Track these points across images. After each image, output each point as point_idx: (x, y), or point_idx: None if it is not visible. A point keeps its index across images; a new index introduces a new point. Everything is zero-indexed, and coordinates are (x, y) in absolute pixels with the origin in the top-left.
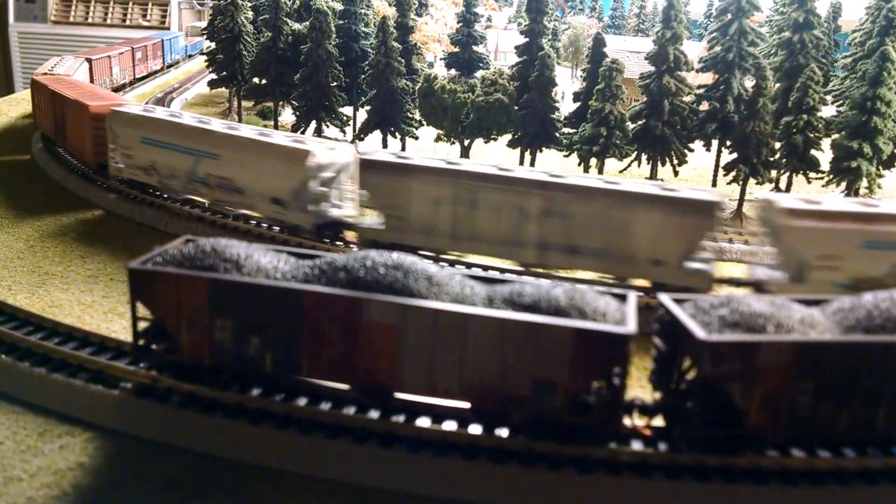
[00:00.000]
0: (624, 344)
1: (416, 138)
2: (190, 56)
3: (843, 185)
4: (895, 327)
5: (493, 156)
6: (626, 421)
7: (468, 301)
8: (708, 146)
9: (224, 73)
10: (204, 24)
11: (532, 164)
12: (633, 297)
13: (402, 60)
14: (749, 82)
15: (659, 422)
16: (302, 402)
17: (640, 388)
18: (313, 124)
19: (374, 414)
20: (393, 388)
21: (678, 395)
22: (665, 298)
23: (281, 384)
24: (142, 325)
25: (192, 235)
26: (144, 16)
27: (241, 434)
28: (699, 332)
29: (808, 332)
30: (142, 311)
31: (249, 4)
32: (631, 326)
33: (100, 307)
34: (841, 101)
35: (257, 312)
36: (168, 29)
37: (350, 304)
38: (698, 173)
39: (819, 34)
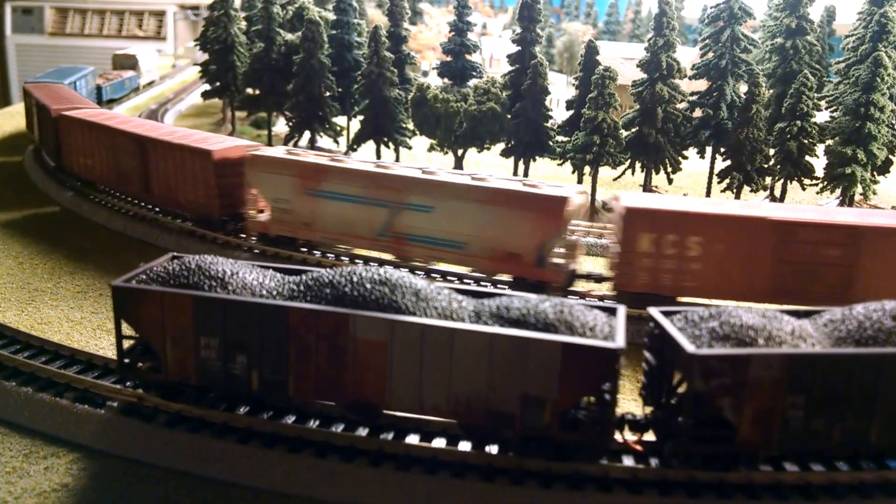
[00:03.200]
0: (613, 359)
1: (410, 148)
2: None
3: (839, 190)
4: (887, 338)
5: (487, 165)
6: (617, 436)
7: (456, 316)
8: (702, 153)
9: (217, 83)
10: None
11: (526, 173)
12: (622, 310)
13: (395, 70)
14: (743, 89)
15: (650, 437)
16: (290, 420)
17: (633, 401)
18: (307, 134)
19: (362, 431)
20: (381, 406)
21: (669, 409)
22: (655, 312)
23: (269, 402)
24: (128, 343)
25: (178, 252)
26: (140, 26)
27: (229, 453)
28: (688, 346)
29: (798, 344)
30: (128, 329)
31: (242, 15)
32: (620, 341)
33: (88, 324)
34: (835, 107)
35: (243, 330)
36: (164, 40)
37: (336, 320)
38: (693, 180)
39: (812, 40)
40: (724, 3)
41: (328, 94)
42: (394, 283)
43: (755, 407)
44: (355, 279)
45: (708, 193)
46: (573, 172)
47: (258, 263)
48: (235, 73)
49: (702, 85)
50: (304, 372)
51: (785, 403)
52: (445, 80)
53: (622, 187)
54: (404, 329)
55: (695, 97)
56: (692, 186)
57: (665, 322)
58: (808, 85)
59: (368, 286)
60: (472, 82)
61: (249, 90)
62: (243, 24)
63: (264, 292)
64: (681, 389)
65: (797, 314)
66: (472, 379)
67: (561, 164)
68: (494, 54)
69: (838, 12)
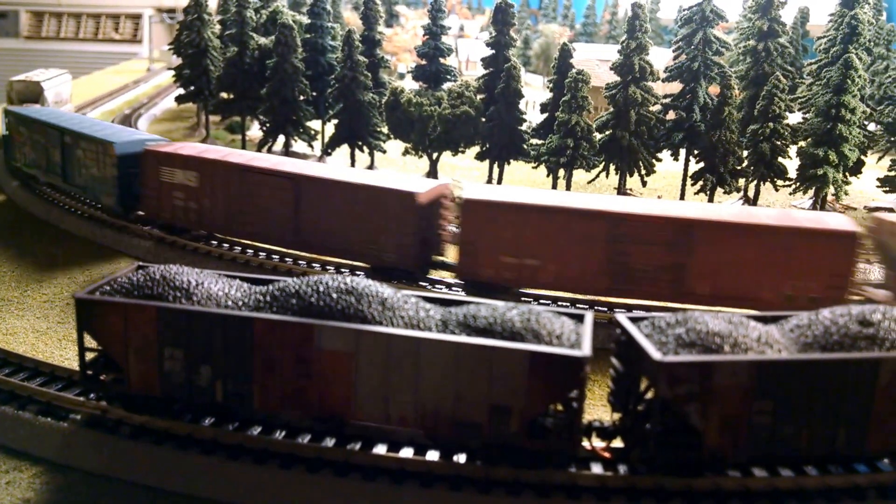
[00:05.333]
0: (579, 367)
1: (384, 152)
2: None
3: (811, 192)
4: (853, 343)
5: (462, 169)
6: (585, 444)
7: (422, 325)
8: (675, 156)
9: (191, 87)
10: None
11: (500, 176)
12: (589, 317)
13: (369, 74)
14: (717, 91)
15: (618, 444)
16: (255, 431)
17: (602, 407)
18: (281, 139)
19: (329, 442)
20: (347, 417)
21: (636, 416)
22: (622, 318)
23: (235, 413)
24: (92, 354)
25: (148, 262)
26: (117, 29)
27: (194, 466)
28: (655, 353)
29: (765, 350)
30: (91, 340)
31: (217, 19)
32: (586, 349)
33: (54, 334)
34: (807, 109)
35: (207, 341)
36: (140, 43)
37: (302, 331)
38: (668, 182)
39: (784, 42)
40: (697, 6)
41: (302, 98)
42: (360, 293)
43: (722, 413)
44: (322, 289)
45: (682, 195)
46: (548, 175)
47: (225, 273)
48: (209, 78)
49: (676, 87)
50: (270, 383)
51: (751, 409)
52: (420, 83)
53: (597, 190)
54: (370, 339)
55: (668, 99)
56: (667, 188)
57: (632, 328)
58: (780, 87)
59: (335, 296)
60: (447, 85)
61: (224, 94)
62: (217, 28)
63: (230, 303)
64: (648, 396)
65: (764, 319)
66: (439, 388)
67: (536, 168)
68: (471, 57)
69: (812, 14)
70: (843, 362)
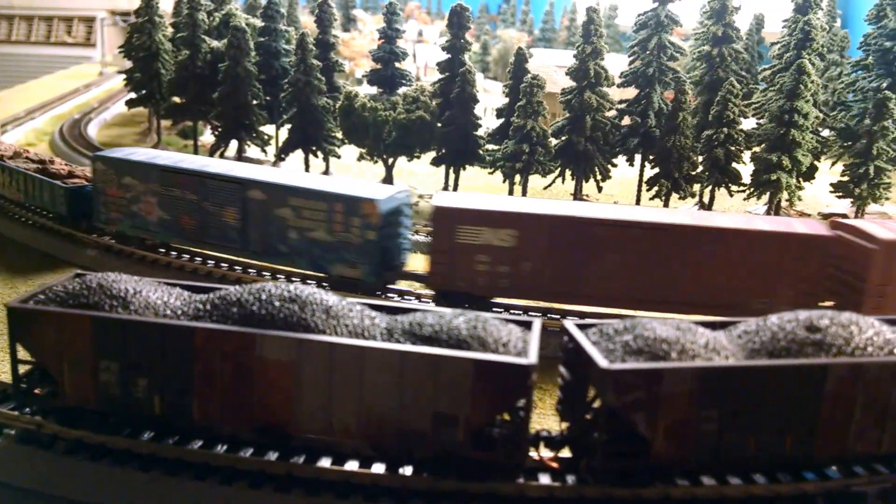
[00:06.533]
0: (525, 375)
1: (339, 157)
2: None
3: (765, 197)
4: (800, 349)
5: (419, 174)
6: (534, 454)
7: (367, 333)
8: (631, 161)
9: (142, 91)
10: None
11: (456, 182)
12: (537, 325)
13: (323, 78)
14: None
15: (567, 453)
16: (196, 445)
17: (553, 416)
18: (234, 144)
19: (272, 455)
20: (288, 429)
21: (584, 425)
22: (570, 325)
23: (174, 427)
24: (26, 367)
25: (82, 270)
26: (70, 32)
27: (132, 482)
28: (601, 361)
29: (712, 357)
30: (25, 352)
31: (169, 21)
32: (532, 357)
33: None
34: (761, 114)
35: (144, 352)
36: (94, 46)
37: (242, 340)
38: (624, 188)
39: (738, 48)
40: (652, 11)
41: (255, 102)
42: (304, 300)
43: (669, 421)
44: (264, 297)
45: (637, 201)
46: (504, 181)
47: (165, 281)
48: (160, 81)
49: (632, 93)
50: (210, 395)
51: (699, 417)
52: (377, 87)
53: (553, 195)
54: (312, 348)
55: (624, 105)
56: (624, 194)
57: (579, 336)
58: (733, 92)
59: (277, 304)
60: (402, 90)
61: (175, 98)
62: (170, 31)
63: (168, 312)
64: (595, 404)
65: (713, 325)
66: (384, 398)
67: (492, 173)
68: (430, 62)
69: (767, 20)
70: (789, 368)
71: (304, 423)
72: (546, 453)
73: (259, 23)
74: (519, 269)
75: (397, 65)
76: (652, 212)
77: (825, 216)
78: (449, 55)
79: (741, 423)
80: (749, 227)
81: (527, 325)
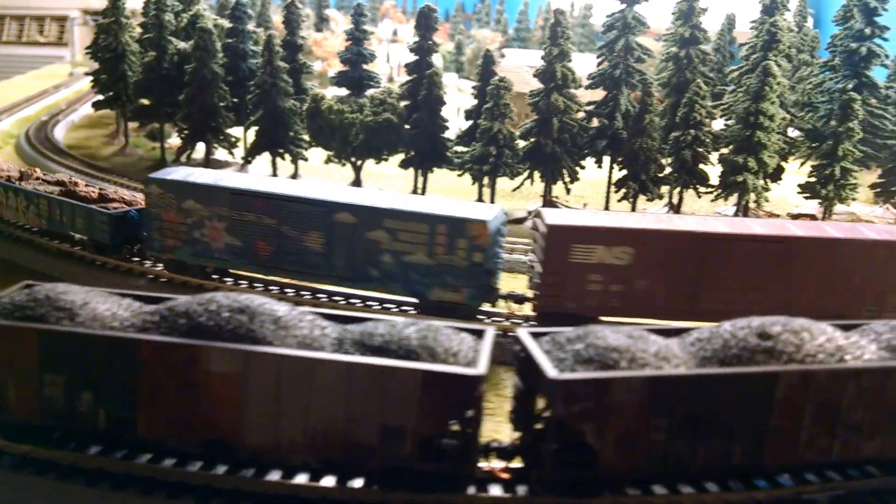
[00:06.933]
0: (473, 386)
1: (306, 160)
2: None
3: (733, 198)
4: (751, 357)
5: (388, 177)
6: (485, 464)
7: (316, 344)
8: (599, 163)
9: (109, 93)
10: None
11: (424, 184)
12: (490, 333)
13: (290, 80)
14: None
15: (519, 463)
16: (143, 459)
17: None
18: (201, 146)
19: (220, 469)
20: (235, 443)
21: (535, 435)
22: (522, 333)
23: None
24: None
25: (32, 281)
26: (42, 32)
27: (77, 497)
28: (550, 370)
29: (662, 365)
30: None
31: (137, 22)
32: (481, 367)
33: None
34: (729, 115)
35: (89, 365)
36: (66, 46)
37: (188, 353)
38: (595, 189)
39: (706, 49)
40: (619, 13)
41: (222, 104)
42: (253, 311)
43: (618, 431)
44: (212, 308)
45: (607, 204)
46: (473, 183)
47: (117, 291)
48: (127, 83)
49: (601, 94)
50: (155, 408)
51: (649, 426)
52: (345, 89)
53: (523, 197)
54: (259, 360)
55: (592, 107)
56: (594, 196)
57: (531, 344)
58: (700, 94)
59: (226, 315)
60: (369, 92)
61: (142, 100)
62: (137, 32)
63: (116, 323)
64: (546, 414)
65: (667, 333)
66: (331, 410)
67: (461, 175)
68: (403, 62)
69: (739, 20)
70: (738, 376)
71: (251, 437)
72: (499, 463)
73: (228, 23)
74: (632, 288)
75: (365, 66)
76: (763, 224)
77: (794, 216)
78: (417, 57)
79: (691, 432)
80: (863, 237)
81: (481, 335)
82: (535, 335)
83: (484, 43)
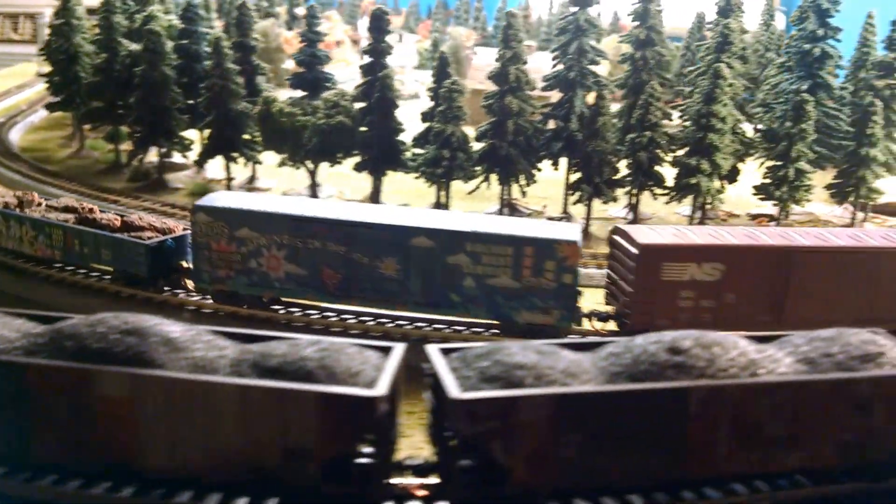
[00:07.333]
0: (372, 407)
1: (259, 163)
2: None
3: (688, 200)
4: (661, 372)
5: (347, 177)
6: (400, 481)
7: (211, 366)
8: (556, 165)
9: (62, 95)
10: None
11: (379, 187)
12: (397, 351)
13: (241, 82)
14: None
15: (436, 479)
16: (45, 482)
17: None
18: (153, 150)
19: (126, 491)
20: (134, 466)
21: (447, 452)
22: (431, 349)
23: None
24: None
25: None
26: (16, 29)
27: None
28: (452, 390)
29: (569, 382)
30: None
31: (92, 23)
32: (381, 388)
33: None
34: (686, 117)
35: None
36: (36, 44)
37: (76, 377)
38: (557, 191)
39: (661, 50)
40: (571, 16)
41: (176, 106)
42: (144, 333)
43: (527, 448)
44: (100, 329)
45: (564, 207)
46: (429, 186)
47: (8, 310)
48: (80, 85)
49: (557, 96)
50: (49, 432)
51: (558, 442)
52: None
53: (479, 200)
54: (149, 384)
55: (548, 108)
56: (554, 198)
57: (437, 361)
58: (655, 96)
59: (114, 337)
60: (323, 94)
61: (96, 102)
62: (92, 33)
63: (2, 346)
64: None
65: (579, 347)
66: (230, 434)
67: (418, 178)
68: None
69: (709, 19)
70: (644, 392)
71: (151, 460)
72: (412, 481)
73: (182, 24)
74: (722, 303)
75: (320, 67)
76: (846, 234)
77: (753, 217)
78: (371, 58)
79: (603, 447)
80: None
81: (386, 351)
82: (446, 351)
83: (459, 40)
